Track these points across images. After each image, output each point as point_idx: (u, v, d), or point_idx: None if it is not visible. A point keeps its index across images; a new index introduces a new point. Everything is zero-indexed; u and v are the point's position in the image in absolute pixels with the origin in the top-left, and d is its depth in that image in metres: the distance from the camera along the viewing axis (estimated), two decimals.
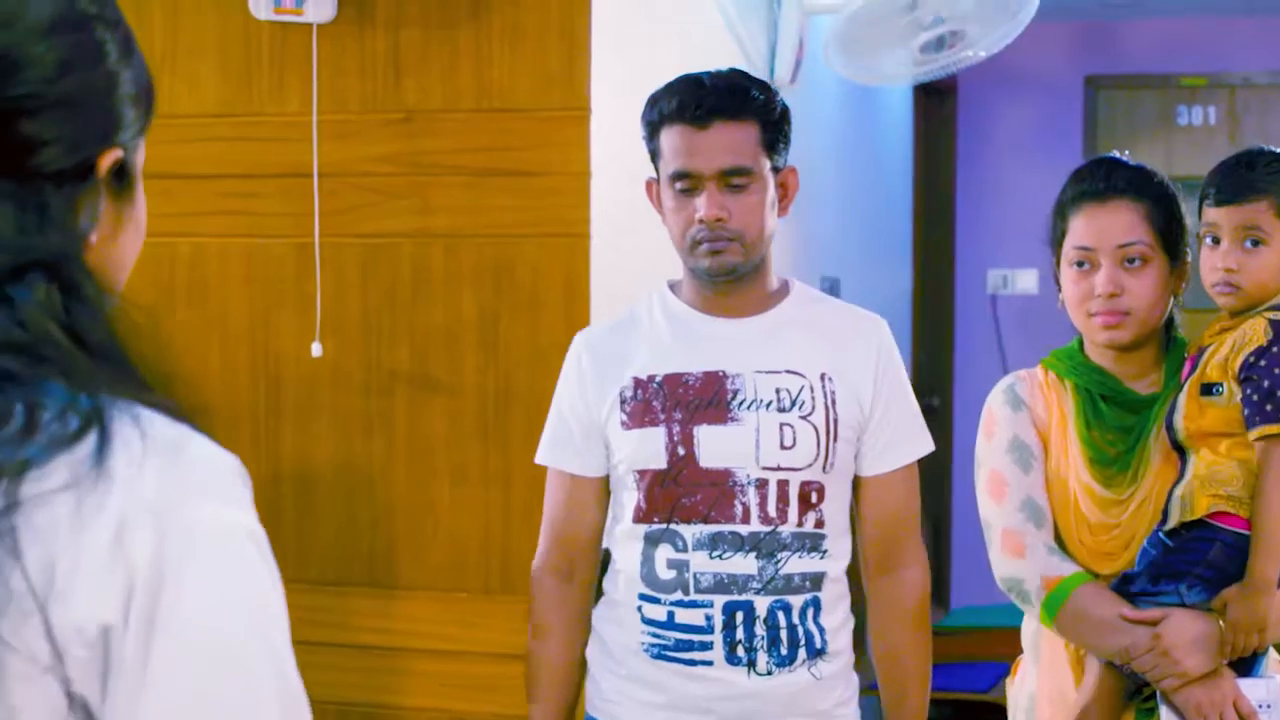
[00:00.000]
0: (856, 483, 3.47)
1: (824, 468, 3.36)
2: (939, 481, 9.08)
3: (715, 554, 3.33)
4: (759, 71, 5.59)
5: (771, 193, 3.38)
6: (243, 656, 1.40)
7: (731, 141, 3.33)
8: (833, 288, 6.89)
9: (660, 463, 3.37)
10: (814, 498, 3.36)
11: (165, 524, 1.37)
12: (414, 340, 4.50)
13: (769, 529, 3.34)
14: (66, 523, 1.34)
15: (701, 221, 3.32)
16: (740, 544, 3.33)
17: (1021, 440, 3.49)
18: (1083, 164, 3.57)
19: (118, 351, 1.47)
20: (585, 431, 3.49)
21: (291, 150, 4.54)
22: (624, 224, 4.51)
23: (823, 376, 3.39)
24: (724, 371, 3.38)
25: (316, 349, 4.48)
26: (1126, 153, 3.57)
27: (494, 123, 4.41)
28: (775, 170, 3.39)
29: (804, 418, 3.35)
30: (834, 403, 3.38)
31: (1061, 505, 3.45)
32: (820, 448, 3.35)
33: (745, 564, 3.32)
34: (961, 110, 9.82)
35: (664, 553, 3.38)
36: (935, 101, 9.52)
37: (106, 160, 1.52)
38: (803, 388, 3.37)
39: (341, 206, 4.52)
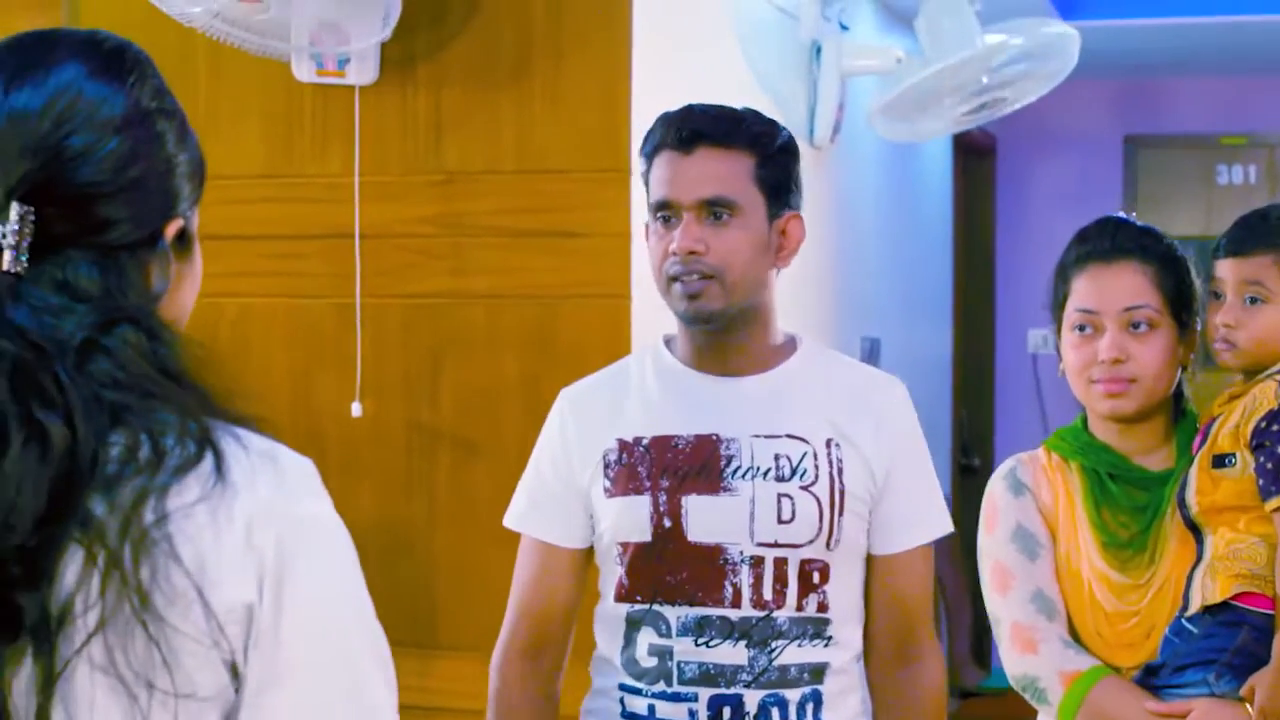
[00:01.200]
0: (868, 563, 3.13)
1: (828, 544, 3.01)
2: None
3: (701, 641, 2.98)
4: (797, 132, 5.61)
5: (764, 235, 3.03)
6: (345, 615, 1.77)
7: (715, 170, 3.00)
8: (873, 348, 6.89)
9: (644, 535, 3.02)
10: (816, 578, 3.01)
11: (282, 521, 1.70)
12: (455, 400, 4.51)
13: (762, 614, 2.98)
14: (208, 527, 1.65)
15: (674, 253, 2.99)
16: (729, 630, 2.98)
17: (1025, 528, 3.25)
18: (1087, 224, 3.36)
19: (197, 382, 1.74)
20: (566, 497, 3.15)
21: (333, 211, 4.56)
22: None
23: (828, 443, 3.04)
24: (718, 435, 3.04)
25: (356, 409, 4.50)
26: (1134, 214, 3.40)
27: (535, 184, 4.43)
28: (774, 214, 3.05)
29: (805, 488, 3.01)
30: (840, 472, 3.03)
31: (1075, 595, 3.21)
32: (823, 522, 3.00)
33: (734, 653, 2.97)
34: (1001, 169, 9.83)
35: (646, 637, 3.03)
36: (975, 160, 9.52)
37: (170, 229, 1.82)
38: (805, 454, 3.02)
39: (383, 267, 4.53)
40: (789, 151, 3.10)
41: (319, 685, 1.71)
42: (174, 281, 1.84)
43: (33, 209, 1.70)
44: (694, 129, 3.02)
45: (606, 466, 3.09)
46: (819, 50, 5.83)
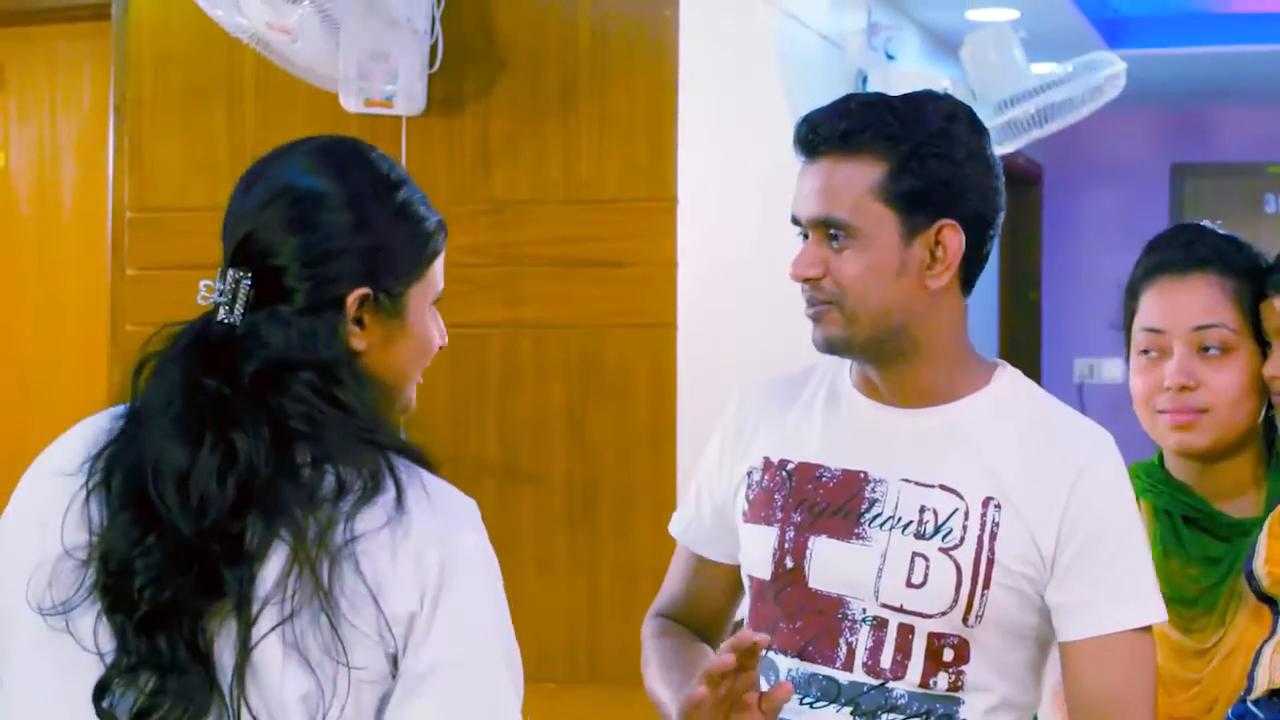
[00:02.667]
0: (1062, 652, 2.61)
1: (966, 619, 2.53)
2: None
3: (806, 700, 2.61)
4: None
5: (894, 256, 2.55)
6: (486, 626, 2.15)
7: (830, 184, 2.56)
8: None
9: (765, 572, 2.66)
10: (948, 655, 2.55)
11: (444, 548, 2.10)
12: (502, 430, 4.51)
13: (876, 682, 2.56)
14: (387, 548, 2.06)
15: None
16: (835, 694, 2.59)
17: None
18: (1161, 232, 2.95)
19: (369, 418, 2.13)
20: (717, 509, 2.80)
21: None
22: (711, 313, 4.52)
23: (986, 502, 2.55)
24: (866, 474, 2.62)
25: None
26: (1219, 222, 2.96)
27: (582, 213, 4.44)
28: (915, 228, 2.56)
29: (946, 551, 2.55)
30: (993, 538, 2.54)
31: None
32: (959, 593, 2.53)
33: None
34: (1047, 198, 9.81)
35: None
36: (1021, 189, 9.51)
37: (352, 298, 2.16)
38: (955, 512, 2.56)
39: None
40: (942, 151, 2.57)
41: (458, 680, 2.09)
42: (381, 339, 2.22)
43: (247, 275, 2.15)
44: (815, 132, 2.59)
45: (749, 487, 2.73)
46: (865, 79, 5.83)
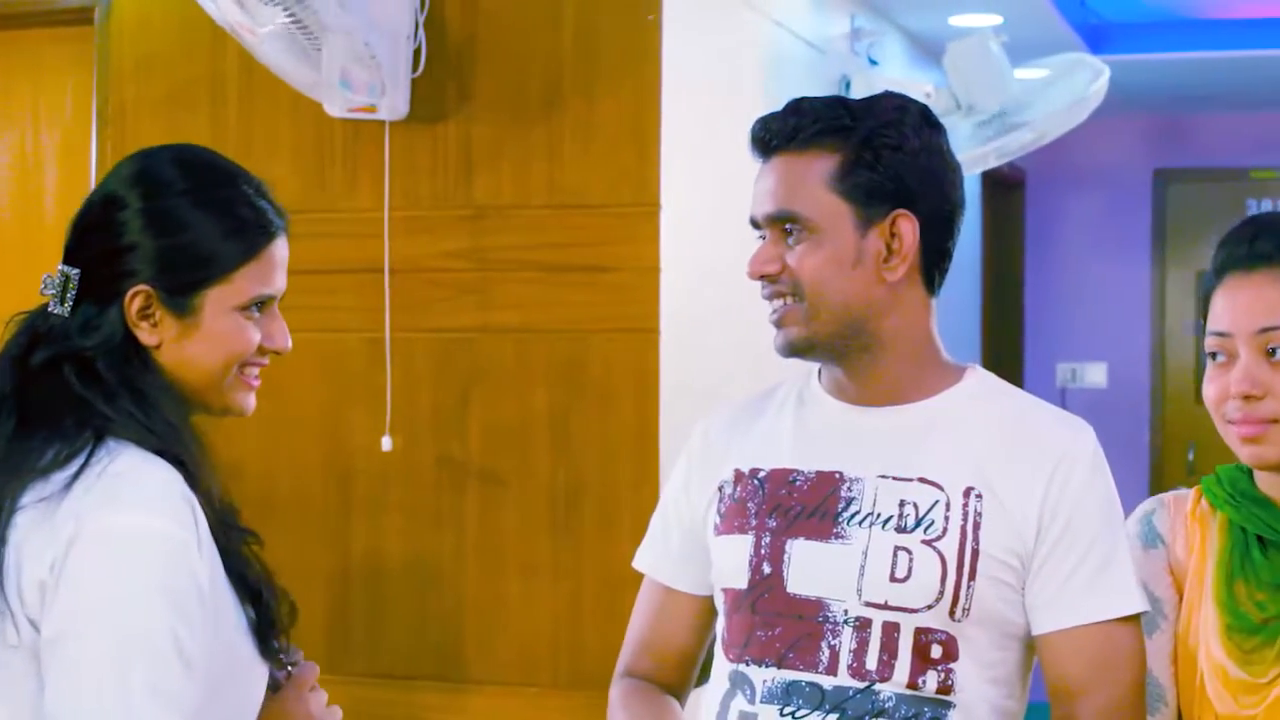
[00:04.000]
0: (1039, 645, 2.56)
1: (952, 613, 2.47)
2: None
3: (787, 710, 2.50)
4: None
5: (851, 249, 2.53)
6: (106, 602, 2.12)
7: (784, 179, 2.57)
8: None
9: (741, 581, 2.58)
10: (936, 652, 2.48)
11: (83, 522, 2.13)
12: (485, 435, 4.51)
13: (862, 685, 2.48)
14: (36, 519, 2.16)
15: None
16: (819, 700, 2.49)
17: (1150, 591, 2.60)
18: (1236, 224, 2.67)
19: (134, 408, 2.24)
20: (686, 535, 2.73)
21: (364, 246, 4.57)
22: (694, 319, 4.53)
23: (968, 492, 2.50)
24: (841, 474, 2.56)
25: (386, 443, 4.50)
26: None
27: (564, 219, 4.44)
28: (870, 219, 2.54)
29: (929, 543, 2.49)
30: (976, 528, 2.49)
31: (1186, 685, 2.58)
32: (945, 585, 2.47)
33: None
34: (1030, 203, 9.82)
35: (737, 704, 2.57)
36: (1004, 194, 9.52)
37: (130, 294, 2.27)
38: (936, 504, 2.51)
39: (413, 301, 4.54)
40: (894, 142, 2.54)
41: (72, 652, 2.10)
42: (175, 336, 2.30)
43: (70, 271, 2.31)
44: (767, 130, 2.61)
45: (720, 501, 2.66)
46: (848, 85, 5.84)
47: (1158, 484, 9.22)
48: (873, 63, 6.05)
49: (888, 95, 2.63)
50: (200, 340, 2.32)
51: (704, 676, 2.72)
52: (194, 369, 2.35)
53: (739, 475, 2.65)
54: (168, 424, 2.27)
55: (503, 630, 4.50)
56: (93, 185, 4.82)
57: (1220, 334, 2.55)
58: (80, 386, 2.24)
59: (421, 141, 4.55)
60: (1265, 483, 2.58)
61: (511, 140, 4.48)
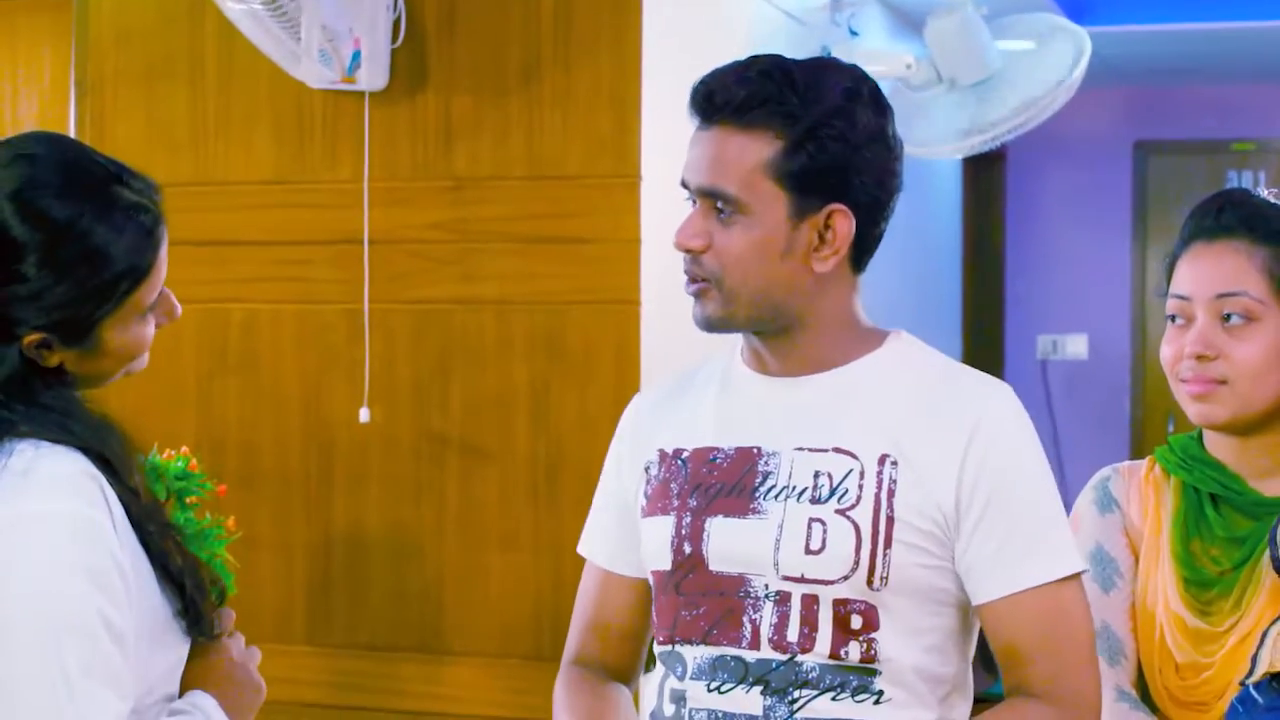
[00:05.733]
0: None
1: (870, 582, 2.43)
2: None
3: (713, 686, 2.49)
4: None
5: (779, 236, 2.46)
6: (15, 593, 2.09)
7: (721, 154, 2.47)
8: None
9: (665, 562, 2.55)
10: (856, 622, 2.44)
11: None
12: (464, 407, 4.51)
13: (784, 657, 2.45)
14: None
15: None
16: (743, 674, 2.47)
17: (1105, 552, 2.74)
18: (1206, 197, 2.81)
19: (47, 418, 2.20)
20: (621, 517, 2.71)
21: (343, 217, 4.56)
22: (675, 291, 4.48)
23: (883, 460, 2.46)
24: (759, 449, 2.52)
25: (364, 415, 4.50)
26: (1273, 191, 2.79)
27: (544, 190, 4.43)
28: (804, 210, 2.46)
29: (842, 512, 2.45)
30: (890, 495, 2.44)
31: (1145, 639, 2.70)
32: (860, 555, 2.43)
33: (747, 701, 2.47)
34: (1011, 176, 9.82)
35: (669, 683, 2.55)
36: (984, 167, 9.52)
37: (27, 343, 2.22)
38: (850, 473, 2.46)
39: (392, 273, 4.53)
40: (839, 132, 2.46)
41: (9, 641, 2.08)
42: (74, 358, 2.26)
43: None
44: (710, 98, 2.49)
45: (647, 482, 2.63)
46: (829, 56, 5.83)
47: (1139, 454, 9.19)
48: (853, 33, 6.03)
49: (837, 69, 2.53)
50: (102, 358, 2.30)
51: (653, 661, 2.68)
52: (97, 375, 2.32)
53: (663, 455, 2.62)
54: (84, 425, 2.23)
55: (482, 602, 4.50)
56: None
57: (1180, 297, 2.68)
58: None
59: (401, 113, 4.54)
60: (1214, 445, 2.73)
61: (491, 111, 4.47)
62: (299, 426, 4.64)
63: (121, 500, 2.21)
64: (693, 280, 2.52)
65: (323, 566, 4.61)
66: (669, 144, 4.49)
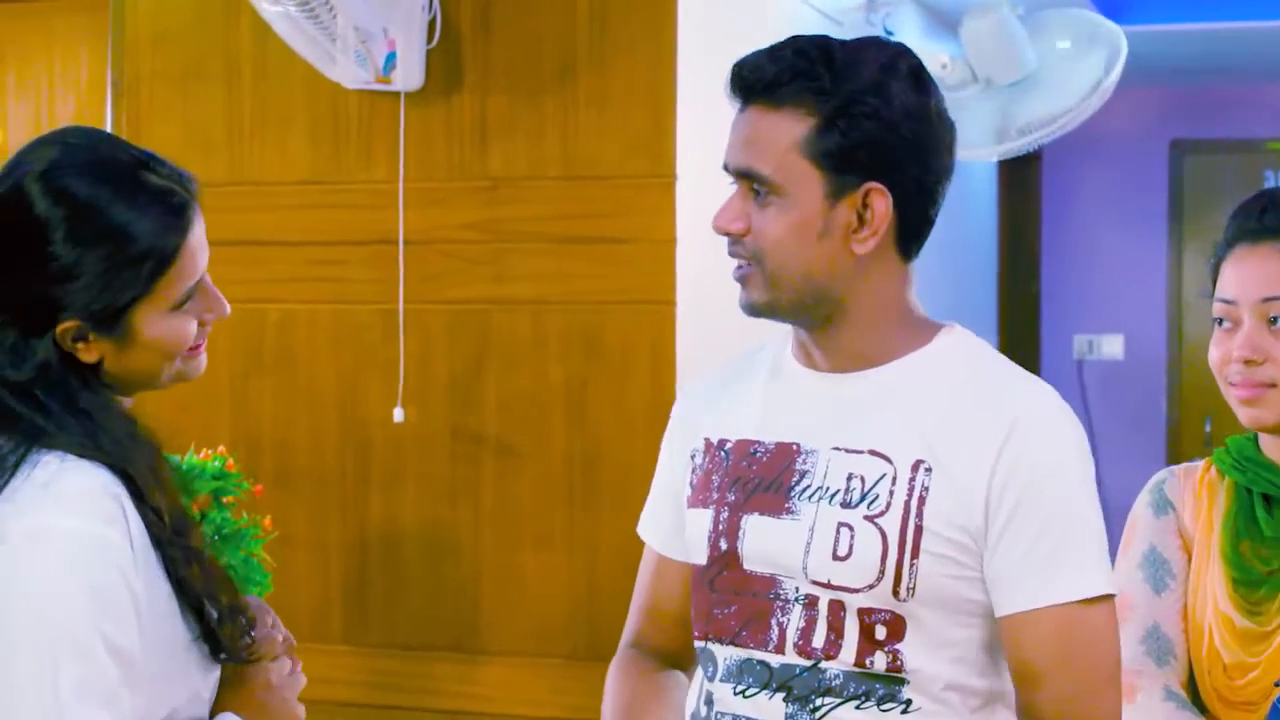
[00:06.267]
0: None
1: (896, 592, 2.35)
2: None
3: (740, 689, 2.45)
4: None
5: (816, 218, 2.39)
6: (23, 605, 2.09)
7: (756, 134, 2.41)
8: None
9: (701, 557, 2.50)
10: (881, 633, 2.36)
11: (8, 523, 2.11)
12: (500, 406, 4.51)
13: (808, 664, 2.39)
14: None
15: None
16: (767, 679, 2.41)
17: (1159, 554, 2.72)
18: (1250, 195, 2.79)
19: (77, 427, 2.20)
20: (673, 502, 2.63)
21: (378, 217, 4.57)
22: (710, 290, 4.51)
23: (916, 465, 2.36)
24: (798, 445, 2.45)
25: (398, 414, 4.50)
26: None
27: (580, 190, 4.43)
28: (840, 189, 2.38)
29: (871, 519, 2.36)
30: (921, 502, 2.35)
31: (1195, 640, 2.67)
32: (885, 564, 2.35)
33: (770, 707, 2.41)
34: (1046, 175, 9.80)
35: (703, 681, 2.51)
36: (1020, 167, 9.49)
37: (60, 331, 2.21)
38: (882, 477, 2.38)
39: (427, 273, 4.54)
40: (872, 109, 2.37)
41: (8, 656, 2.09)
42: (114, 353, 2.25)
43: None
44: (743, 78, 2.43)
45: (692, 471, 2.57)
46: None
47: (1175, 455, 9.20)
48: (889, 33, 6.02)
49: (876, 46, 2.44)
50: (139, 350, 2.27)
51: None
52: (138, 372, 2.30)
53: (708, 445, 2.56)
54: (114, 439, 2.21)
55: (518, 601, 4.50)
56: None
57: (1226, 301, 2.67)
58: (18, 406, 2.21)
59: (436, 113, 4.55)
60: (1269, 447, 2.69)
61: (526, 111, 4.47)
62: (334, 426, 4.64)
63: (144, 519, 2.20)
64: (742, 264, 2.44)
65: (358, 566, 4.61)
66: (704, 144, 4.49)
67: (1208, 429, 9.20)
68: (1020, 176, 9.56)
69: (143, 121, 4.79)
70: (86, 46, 5.36)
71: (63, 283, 2.20)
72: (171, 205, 2.24)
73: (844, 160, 2.36)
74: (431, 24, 4.45)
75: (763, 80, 2.40)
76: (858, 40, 2.45)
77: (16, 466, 2.16)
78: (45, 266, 2.20)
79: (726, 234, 2.44)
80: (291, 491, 4.61)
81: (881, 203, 2.38)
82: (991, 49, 5.56)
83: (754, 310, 2.45)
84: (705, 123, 4.52)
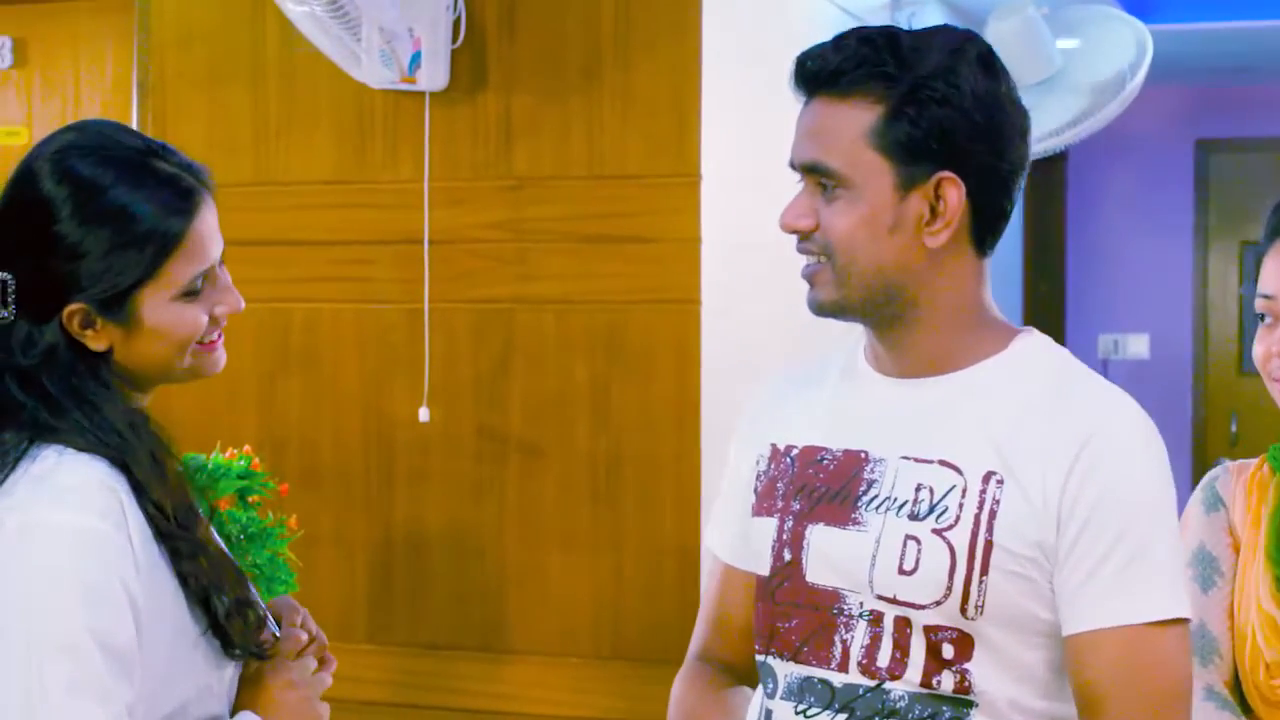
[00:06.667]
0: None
1: (964, 610, 2.24)
2: None
3: (800, 708, 2.34)
4: None
5: (887, 210, 2.29)
6: (22, 598, 2.10)
7: (822, 127, 2.33)
8: None
9: (764, 567, 2.41)
10: (948, 651, 2.26)
11: (3, 517, 2.13)
12: (525, 406, 4.51)
13: (871, 684, 2.29)
14: None
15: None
16: (829, 699, 2.32)
17: (1208, 552, 2.68)
18: None
19: (81, 417, 2.21)
20: (738, 508, 2.52)
21: (403, 217, 4.57)
22: (735, 290, 4.52)
23: (988, 477, 2.26)
24: (867, 453, 2.35)
25: (424, 414, 4.51)
26: None
27: (604, 189, 4.43)
28: (911, 180, 2.29)
29: (938, 532, 2.26)
30: (992, 517, 2.24)
31: (1240, 639, 2.62)
32: (954, 580, 2.24)
33: None
34: (1072, 174, 9.78)
35: (762, 698, 2.42)
36: (1045, 166, 9.47)
37: (66, 314, 2.23)
38: (952, 489, 2.27)
39: (452, 273, 4.54)
40: (941, 94, 2.28)
41: (2, 652, 2.10)
42: (122, 340, 2.26)
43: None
44: (806, 69, 2.36)
45: (758, 478, 2.48)
46: None
47: (1200, 455, 9.19)
48: None
49: (944, 34, 2.34)
50: (146, 338, 2.27)
51: None
52: (147, 362, 2.30)
53: (775, 451, 2.46)
54: (117, 432, 2.22)
55: (542, 601, 4.50)
56: None
57: (1266, 296, 2.62)
58: (23, 396, 2.23)
59: (461, 113, 4.55)
60: None
61: (551, 111, 4.48)
62: (360, 426, 4.65)
63: (144, 513, 2.20)
64: (812, 261, 2.35)
65: (384, 565, 4.62)
66: (729, 143, 4.49)
67: (1233, 428, 9.19)
68: (1046, 176, 9.55)
69: (168, 121, 4.80)
70: (112, 46, 5.37)
71: (68, 261, 2.21)
72: (178, 190, 2.25)
73: (914, 149, 2.28)
74: (456, 24, 4.45)
75: (827, 70, 2.32)
76: (924, 28, 2.37)
77: (17, 461, 2.18)
78: (51, 245, 2.22)
79: (794, 231, 2.36)
80: (317, 491, 4.62)
81: (954, 192, 2.29)
82: (1017, 49, 5.55)
83: (821, 309, 2.37)
84: (729, 121, 4.52)
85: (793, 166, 2.38)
